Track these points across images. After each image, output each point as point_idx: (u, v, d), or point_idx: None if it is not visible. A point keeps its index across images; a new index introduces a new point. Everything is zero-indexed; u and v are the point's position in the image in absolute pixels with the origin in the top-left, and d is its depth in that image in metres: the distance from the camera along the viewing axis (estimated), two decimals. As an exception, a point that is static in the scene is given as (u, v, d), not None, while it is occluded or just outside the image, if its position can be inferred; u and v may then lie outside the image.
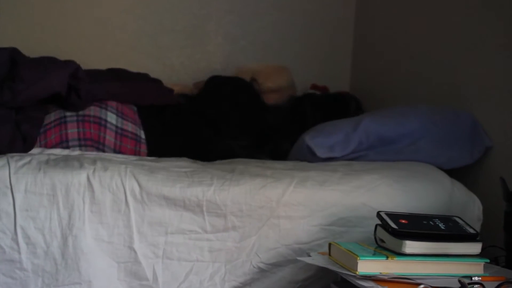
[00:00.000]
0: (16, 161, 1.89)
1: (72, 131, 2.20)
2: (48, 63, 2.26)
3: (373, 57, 3.14)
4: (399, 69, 2.89)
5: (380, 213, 1.75)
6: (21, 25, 2.89)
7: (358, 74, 3.24)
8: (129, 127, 2.30)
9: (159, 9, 3.08)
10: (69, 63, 2.26)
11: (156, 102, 2.44)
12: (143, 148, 2.30)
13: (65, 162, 1.92)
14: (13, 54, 2.24)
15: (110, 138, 2.24)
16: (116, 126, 2.27)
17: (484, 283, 1.57)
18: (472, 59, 2.38)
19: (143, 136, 2.32)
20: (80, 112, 2.24)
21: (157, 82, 2.61)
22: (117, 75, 2.47)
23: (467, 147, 2.26)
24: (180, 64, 3.08)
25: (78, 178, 1.86)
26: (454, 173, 2.19)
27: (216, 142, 2.41)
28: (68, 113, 2.23)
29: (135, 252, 1.86)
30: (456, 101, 2.44)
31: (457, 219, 1.79)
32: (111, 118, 2.28)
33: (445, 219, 1.77)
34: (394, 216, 1.73)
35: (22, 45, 2.65)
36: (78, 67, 2.25)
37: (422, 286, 1.55)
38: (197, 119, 2.46)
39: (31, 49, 2.51)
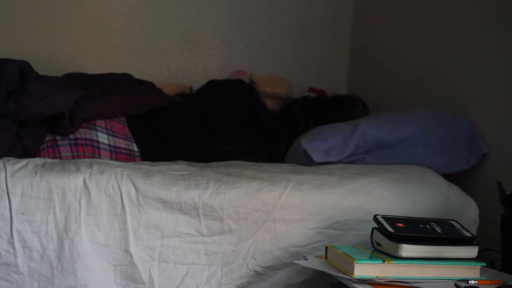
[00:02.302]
0: (13, 165, 1.88)
1: (66, 154, 2.20)
2: (57, 82, 2.26)
3: (371, 61, 3.13)
4: (397, 73, 2.89)
5: (377, 216, 1.75)
6: (19, 28, 2.88)
7: (356, 78, 3.24)
8: (121, 143, 2.30)
9: (157, 13, 3.08)
10: (77, 88, 2.26)
11: (145, 109, 2.43)
12: (138, 160, 2.29)
13: (62, 165, 1.92)
14: (23, 67, 2.23)
15: (105, 158, 2.23)
16: (109, 145, 2.27)
17: (480, 286, 1.56)
18: (470, 63, 2.38)
19: (136, 149, 2.32)
20: (71, 136, 2.24)
21: (145, 84, 2.59)
22: (101, 86, 2.44)
23: (464, 153, 2.25)
24: (177, 67, 3.08)
25: (74, 182, 1.86)
26: (450, 176, 2.19)
27: (212, 148, 2.40)
28: (58, 136, 2.22)
29: (131, 255, 1.85)
30: (453, 105, 2.44)
31: (453, 222, 1.79)
32: (103, 138, 2.27)
33: (442, 222, 1.77)
34: (390, 220, 1.73)
35: (20, 48, 2.67)
36: (84, 95, 2.25)
37: (418, 289, 1.55)
38: (193, 122, 2.45)
39: (29, 52, 2.52)
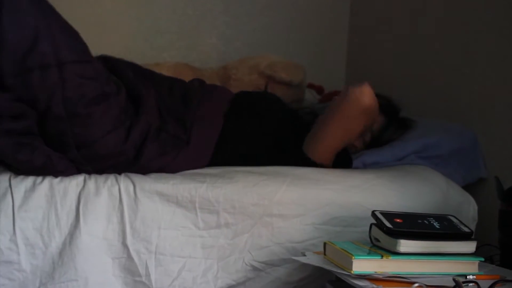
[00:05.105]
0: (16, 164, 1.89)
1: None
2: None
3: (369, 58, 3.14)
4: (394, 70, 2.90)
5: (375, 212, 1.75)
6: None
7: (353, 75, 3.25)
8: None
9: (154, 10, 3.09)
10: None
11: None
12: None
13: (62, 163, 1.93)
14: None
15: None
16: None
17: (478, 281, 1.56)
18: (467, 61, 2.39)
19: None
20: None
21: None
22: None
23: (460, 171, 2.24)
24: (174, 65, 3.08)
25: (75, 179, 1.87)
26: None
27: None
28: None
29: (128, 247, 1.85)
30: (451, 103, 2.45)
31: (452, 218, 1.79)
32: None
33: (440, 218, 1.77)
34: (389, 215, 1.73)
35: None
36: None
37: (416, 285, 1.54)
38: None
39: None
